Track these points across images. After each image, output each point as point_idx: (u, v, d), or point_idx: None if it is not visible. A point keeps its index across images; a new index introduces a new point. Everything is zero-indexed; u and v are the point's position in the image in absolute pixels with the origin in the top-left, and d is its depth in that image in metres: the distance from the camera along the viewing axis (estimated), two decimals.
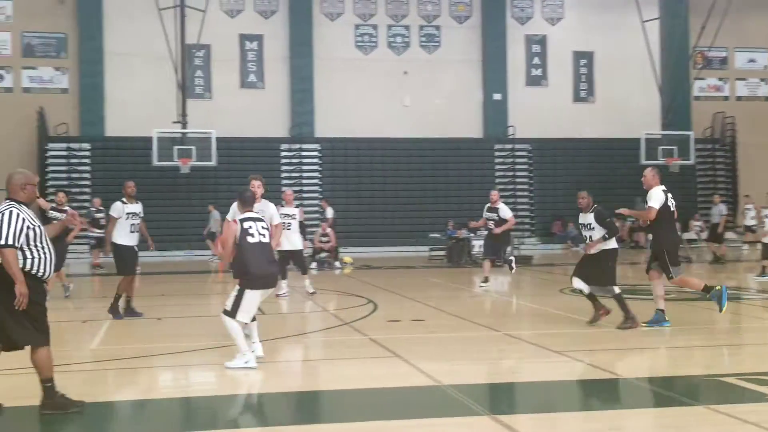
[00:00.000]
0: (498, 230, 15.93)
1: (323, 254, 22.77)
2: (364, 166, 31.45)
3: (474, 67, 33.18)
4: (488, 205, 16.28)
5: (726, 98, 35.53)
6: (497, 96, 32.96)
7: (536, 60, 33.64)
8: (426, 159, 31.74)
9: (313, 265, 22.28)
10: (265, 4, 31.64)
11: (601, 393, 7.39)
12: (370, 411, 6.56)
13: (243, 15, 31.70)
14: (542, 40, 33.61)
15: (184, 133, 27.78)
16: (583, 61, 33.78)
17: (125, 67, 30.26)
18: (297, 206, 16.44)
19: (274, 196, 14.99)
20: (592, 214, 10.41)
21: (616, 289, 10.38)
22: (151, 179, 29.22)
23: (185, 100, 28.25)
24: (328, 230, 23.06)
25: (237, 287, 8.02)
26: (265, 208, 11.01)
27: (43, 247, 6.41)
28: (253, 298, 7.99)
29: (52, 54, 30.62)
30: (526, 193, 32.66)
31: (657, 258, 10.25)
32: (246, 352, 7.98)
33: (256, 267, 7.94)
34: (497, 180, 32.13)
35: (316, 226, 24.90)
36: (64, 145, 29.39)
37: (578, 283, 10.47)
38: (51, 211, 13.74)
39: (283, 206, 14.42)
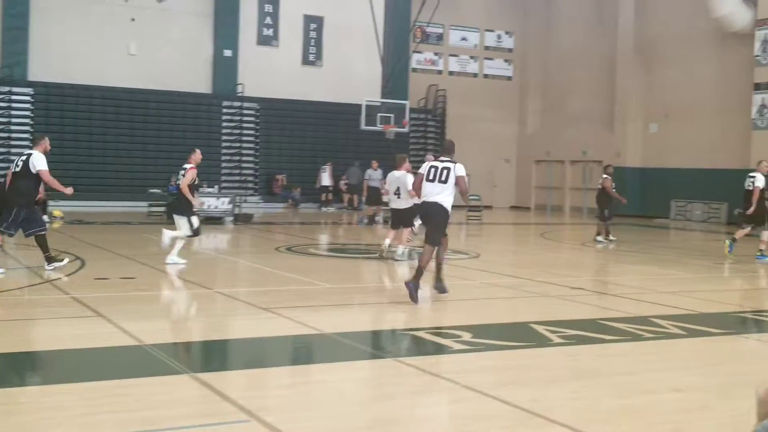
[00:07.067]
0: None
1: None
2: (82, 115, 29.57)
3: (205, 21, 32.34)
4: None
5: (440, 72, 37.86)
6: (228, 52, 32.42)
7: (268, 20, 33.41)
8: (150, 111, 30.51)
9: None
10: None
11: (302, 348, 7.68)
12: (68, 373, 6.31)
13: None
14: (275, 0, 33.41)
15: None
16: (314, 25, 34.09)
17: None
18: None
19: None
20: None
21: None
22: None
23: None
24: None
25: None
26: None
27: None
28: None
29: None
30: (251, 152, 32.56)
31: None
32: None
33: None
34: (224, 137, 31.82)
35: None
36: None
37: None
38: None
39: None
